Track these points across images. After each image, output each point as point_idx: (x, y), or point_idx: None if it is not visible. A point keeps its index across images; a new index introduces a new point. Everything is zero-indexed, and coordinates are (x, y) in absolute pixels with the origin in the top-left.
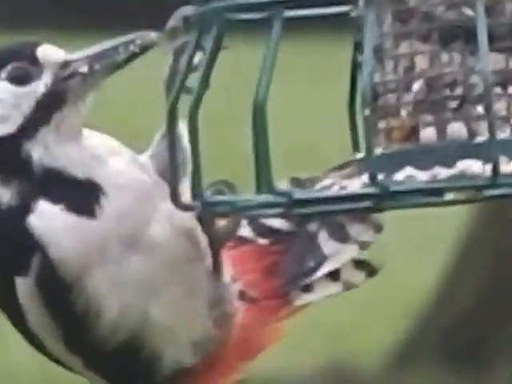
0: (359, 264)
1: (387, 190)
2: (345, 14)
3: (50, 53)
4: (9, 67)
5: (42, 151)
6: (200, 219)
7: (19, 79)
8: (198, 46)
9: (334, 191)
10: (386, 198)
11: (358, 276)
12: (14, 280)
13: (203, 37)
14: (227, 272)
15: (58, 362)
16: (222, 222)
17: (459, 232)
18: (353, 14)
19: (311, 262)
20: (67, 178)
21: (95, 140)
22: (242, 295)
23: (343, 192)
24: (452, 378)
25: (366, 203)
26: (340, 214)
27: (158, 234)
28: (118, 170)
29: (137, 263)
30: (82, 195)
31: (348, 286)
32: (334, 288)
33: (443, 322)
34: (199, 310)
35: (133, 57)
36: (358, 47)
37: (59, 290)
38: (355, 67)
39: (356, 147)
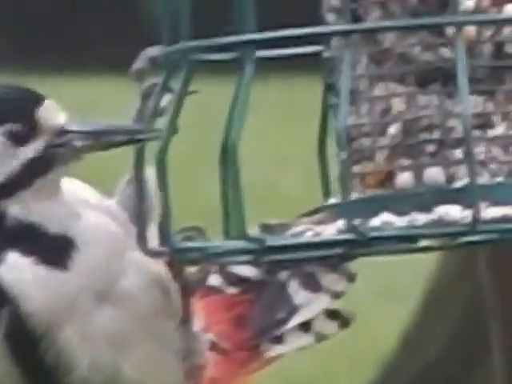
0: (331, 314)
1: (365, 236)
2: (316, 55)
3: (50, 116)
4: (7, 126)
5: (17, 207)
6: (169, 266)
7: (14, 139)
8: (166, 88)
9: (308, 237)
10: (362, 245)
11: (330, 327)
12: None
13: (171, 78)
14: (198, 322)
15: None
16: (191, 270)
17: (428, 280)
18: (325, 55)
19: (282, 312)
20: (40, 232)
21: (69, 189)
22: (214, 346)
23: (318, 238)
24: None
25: (340, 250)
26: (313, 260)
27: (129, 286)
28: (91, 224)
29: (108, 316)
30: (54, 249)
31: (320, 338)
32: (306, 339)
33: (412, 371)
34: (170, 364)
35: (129, 144)
36: (328, 89)
37: (28, 342)
38: (326, 110)
39: (326, 193)
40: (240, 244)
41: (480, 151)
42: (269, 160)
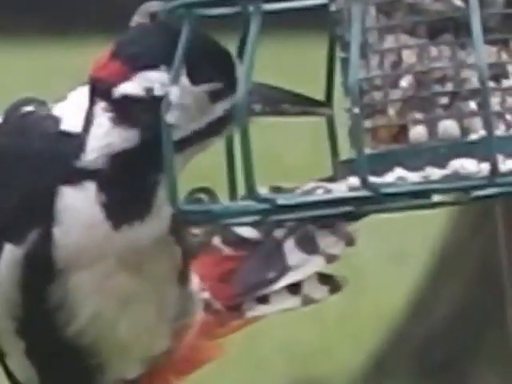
0: (323, 278)
1: (378, 193)
2: (324, 6)
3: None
4: (212, 85)
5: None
6: (174, 229)
7: (213, 97)
8: None
9: (320, 195)
10: (375, 201)
11: (320, 291)
12: (3, 241)
13: None
14: (195, 282)
15: None
16: (195, 232)
17: (435, 245)
18: (332, 7)
19: (272, 271)
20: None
21: None
22: (207, 306)
23: (330, 196)
24: None
25: (352, 207)
26: (324, 219)
27: (149, 254)
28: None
29: (123, 281)
30: (129, 208)
31: (307, 301)
32: (292, 302)
33: (417, 339)
34: (162, 333)
35: (305, 115)
36: (334, 43)
37: (43, 272)
38: (332, 65)
39: (334, 152)
40: (250, 204)
41: (495, 102)
42: (270, 125)
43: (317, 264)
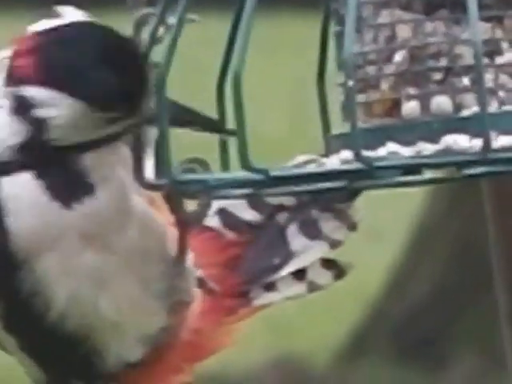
0: (327, 263)
1: (371, 166)
2: None
3: None
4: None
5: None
6: (167, 200)
7: (111, 121)
8: (162, 21)
9: (313, 168)
10: (368, 175)
11: (325, 277)
12: None
13: (168, 8)
14: (189, 258)
15: None
16: (190, 204)
17: (413, 222)
18: None
19: (277, 258)
20: (72, 169)
21: None
22: (201, 284)
23: (324, 168)
24: (404, 374)
25: (345, 182)
26: (317, 193)
27: (127, 236)
28: (115, 177)
29: (92, 258)
30: (70, 187)
31: (313, 288)
32: (298, 288)
33: (395, 316)
34: (153, 308)
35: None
36: (328, 18)
37: (8, 265)
38: (325, 40)
39: (326, 126)
40: (244, 175)
41: (488, 79)
42: (250, 99)
43: (320, 250)
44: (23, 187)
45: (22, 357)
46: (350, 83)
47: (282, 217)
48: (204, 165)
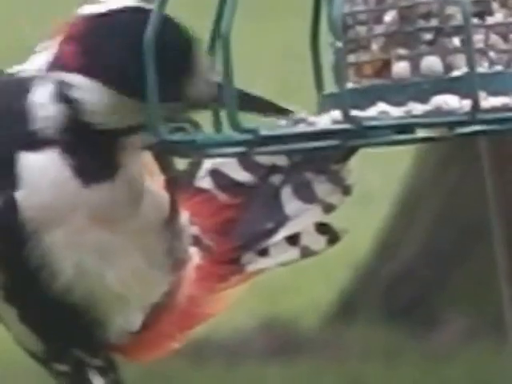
0: (321, 228)
1: (360, 125)
2: None
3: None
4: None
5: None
6: (156, 159)
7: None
8: None
9: (303, 127)
10: (358, 134)
11: (319, 242)
12: None
13: None
14: (183, 217)
15: None
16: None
17: (403, 184)
18: None
19: (271, 222)
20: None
21: None
22: (197, 241)
23: (313, 128)
24: (395, 335)
25: (336, 141)
26: (308, 152)
27: (123, 209)
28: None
29: (99, 234)
30: (99, 166)
31: (306, 253)
32: (292, 253)
33: (385, 278)
34: (157, 279)
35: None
36: None
37: (17, 237)
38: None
39: (319, 86)
40: (233, 135)
41: (479, 39)
42: (239, 63)
43: (314, 214)
44: (49, 161)
45: (21, 328)
46: (339, 44)
47: (276, 178)
48: (194, 125)
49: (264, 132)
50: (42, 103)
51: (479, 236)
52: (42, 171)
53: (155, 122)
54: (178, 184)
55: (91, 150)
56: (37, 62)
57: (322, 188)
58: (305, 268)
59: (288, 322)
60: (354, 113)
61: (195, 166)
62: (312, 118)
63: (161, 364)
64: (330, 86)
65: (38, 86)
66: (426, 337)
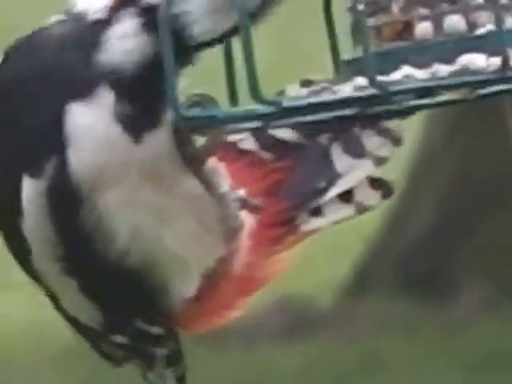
0: (374, 183)
1: (386, 91)
2: None
3: None
4: None
5: None
6: (175, 135)
7: None
8: None
9: (326, 96)
10: (383, 100)
11: (373, 196)
12: (21, 176)
13: None
14: (224, 183)
15: (37, 280)
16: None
17: (413, 151)
18: None
19: (322, 181)
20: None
21: None
22: (244, 204)
23: (337, 96)
24: (410, 307)
25: (361, 108)
26: (333, 122)
27: (171, 165)
28: None
29: (153, 195)
30: (151, 118)
31: (361, 209)
32: (346, 211)
33: (399, 250)
34: (210, 235)
35: None
36: None
37: (70, 200)
38: None
39: (335, 54)
40: (254, 108)
41: None
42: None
43: (366, 168)
44: (98, 117)
45: (80, 301)
46: (360, 7)
47: (323, 137)
48: (210, 101)
49: (286, 103)
50: (125, 33)
51: (493, 203)
52: (91, 130)
53: (174, 99)
54: (199, 160)
55: (142, 94)
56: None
57: (372, 142)
58: (316, 243)
59: (303, 299)
60: (379, 78)
61: (214, 143)
62: (336, 87)
63: None
64: (344, 53)
65: (119, 21)
66: (443, 309)
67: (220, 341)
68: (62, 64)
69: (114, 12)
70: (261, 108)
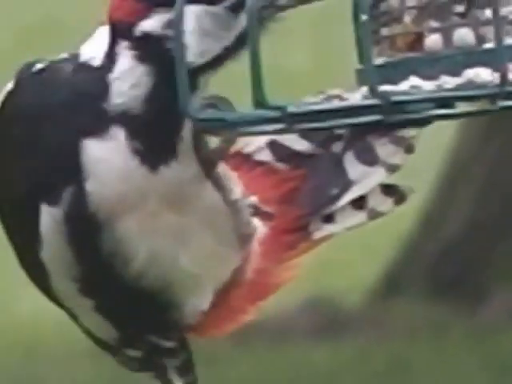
0: (387, 189)
1: (388, 101)
2: None
3: None
4: None
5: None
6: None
7: (232, 6)
8: None
9: (332, 104)
10: (387, 110)
11: (385, 203)
12: (38, 204)
13: None
14: (236, 189)
15: (56, 302)
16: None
17: (447, 156)
18: None
19: (335, 188)
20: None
21: None
22: (256, 211)
23: (341, 104)
24: (440, 311)
25: (372, 117)
26: (342, 128)
27: (191, 190)
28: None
29: (171, 218)
30: (160, 148)
31: (373, 215)
32: (359, 217)
33: (430, 253)
34: (227, 257)
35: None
36: None
37: (88, 226)
38: None
39: (362, 60)
40: (262, 113)
41: (509, 11)
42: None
43: (378, 175)
44: (113, 151)
45: (96, 319)
46: (364, 17)
47: (336, 146)
48: (225, 103)
49: (292, 109)
50: (123, 72)
51: None
52: (108, 162)
53: (186, 101)
54: (212, 163)
55: (155, 128)
56: (95, 47)
57: (384, 150)
58: (348, 244)
59: (333, 300)
60: (385, 87)
61: (227, 145)
62: (347, 94)
63: (205, 345)
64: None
65: (115, 61)
66: (473, 313)
67: (248, 340)
68: (75, 103)
69: (109, 56)
70: (269, 113)
